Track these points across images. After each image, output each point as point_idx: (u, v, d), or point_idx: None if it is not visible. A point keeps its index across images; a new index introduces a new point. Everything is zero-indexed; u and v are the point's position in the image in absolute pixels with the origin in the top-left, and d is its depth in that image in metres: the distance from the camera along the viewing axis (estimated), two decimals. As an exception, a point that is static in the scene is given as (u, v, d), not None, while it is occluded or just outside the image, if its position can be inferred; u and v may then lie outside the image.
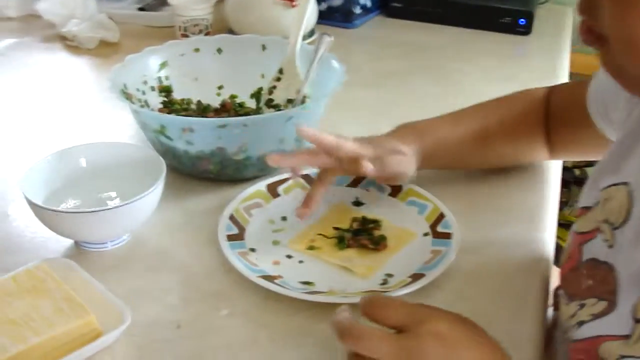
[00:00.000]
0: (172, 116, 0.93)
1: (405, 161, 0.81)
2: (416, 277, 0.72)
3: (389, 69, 1.31)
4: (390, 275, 0.74)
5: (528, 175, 0.94)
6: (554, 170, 0.96)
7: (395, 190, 0.87)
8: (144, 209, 0.78)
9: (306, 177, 0.89)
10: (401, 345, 0.51)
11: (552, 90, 0.91)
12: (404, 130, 0.85)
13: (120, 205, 0.74)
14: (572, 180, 1.79)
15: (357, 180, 0.89)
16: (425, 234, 0.81)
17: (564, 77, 1.29)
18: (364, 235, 0.79)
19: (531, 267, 0.78)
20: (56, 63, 1.36)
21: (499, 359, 0.54)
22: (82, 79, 1.31)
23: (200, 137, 0.85)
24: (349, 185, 0.89)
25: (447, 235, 0.78)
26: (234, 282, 0.74)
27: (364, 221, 0.81)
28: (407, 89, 1.22)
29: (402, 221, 0.83)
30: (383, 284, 0.73)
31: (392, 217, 0.83)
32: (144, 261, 0.78)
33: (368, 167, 0.76)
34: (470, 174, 0.93)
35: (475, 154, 0.89)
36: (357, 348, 0.52)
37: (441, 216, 0.82)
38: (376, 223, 0.81)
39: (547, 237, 0.83)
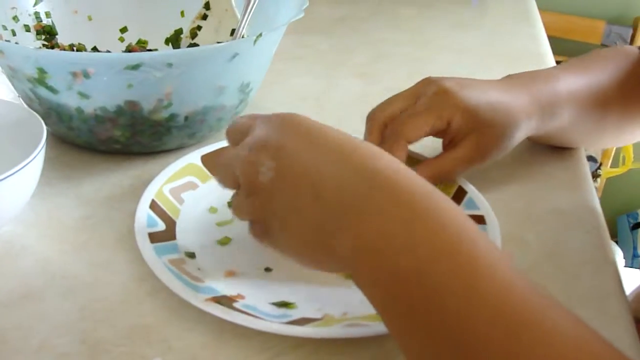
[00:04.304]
0: (56, 52, 0.63)
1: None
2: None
3: (338, 14, 1.06)
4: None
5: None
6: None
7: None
8: (11, 198, 0.49)
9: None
10: None
11: None
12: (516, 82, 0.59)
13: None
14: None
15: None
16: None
17: (535, 21, 1.06)
18: None
19: (594, 258, 0.53)
20: None
21: None
22: None
23: (101, 85, 0.56)
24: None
25: (476, 220, 0.54)
26: (166, 311, 0.46)
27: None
28: (361, 36, 0.98)
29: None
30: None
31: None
32: (9, 281, 0.49)
33: None
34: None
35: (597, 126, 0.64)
36: None
37: (460, 192, 0.57)
38: None
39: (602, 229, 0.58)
